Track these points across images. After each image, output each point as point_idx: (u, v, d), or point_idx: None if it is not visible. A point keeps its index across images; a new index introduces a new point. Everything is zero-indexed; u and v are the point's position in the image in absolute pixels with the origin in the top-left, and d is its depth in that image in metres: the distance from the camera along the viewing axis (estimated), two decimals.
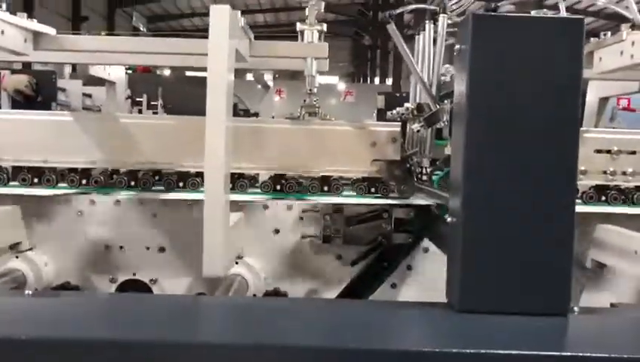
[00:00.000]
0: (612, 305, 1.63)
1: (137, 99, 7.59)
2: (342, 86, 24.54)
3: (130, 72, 10.13)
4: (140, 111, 8.57)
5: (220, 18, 1.73)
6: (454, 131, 1.56)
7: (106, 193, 2.30)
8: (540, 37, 1.43)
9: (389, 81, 26.06)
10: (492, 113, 1.44)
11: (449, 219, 1.53)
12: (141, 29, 26.84)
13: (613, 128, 4.00)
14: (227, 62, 1.75)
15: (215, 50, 1.73)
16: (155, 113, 8.77)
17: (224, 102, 1.74)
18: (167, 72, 10.45)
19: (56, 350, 1.24)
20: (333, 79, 25.98)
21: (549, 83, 1.43)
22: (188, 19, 30.28)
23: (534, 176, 1.43)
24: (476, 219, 1.45)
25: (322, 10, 2.32)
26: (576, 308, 1.48)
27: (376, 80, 27.22)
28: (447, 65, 2.27)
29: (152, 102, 7.76)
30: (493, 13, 1.49)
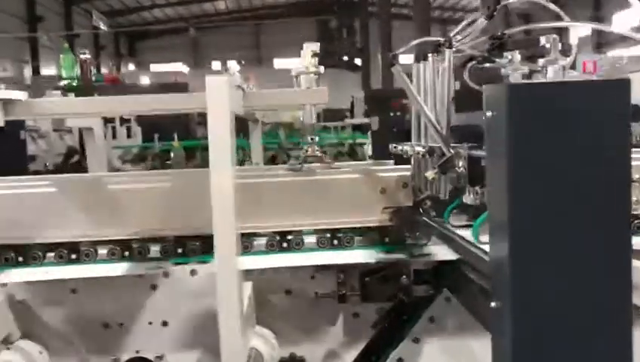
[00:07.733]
0: None
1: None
2: None
3: None
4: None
5: (219, 91, 1.56)
6: (492, 208, 1.40)
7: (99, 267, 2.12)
8: (583, 102, 1.29)
9: (358, 61, 25.85)
10: (539, 190, 1.30)
11: (493, 305, 1.40)
12: (101, 27, 26.03)
13: None
14: (229, 133, 1.60)
15: (216, 125, 1.58)
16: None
17: (230, 179, 1.60)
18: None
19: None
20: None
21: (596, 153, 1.30)
22: (148, 12, 29.42)
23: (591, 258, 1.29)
24: (529, 308, 1.31)
25: (317, 51, 2.13)
26: None
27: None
28: None
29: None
30: (528, 82, 1.34)
